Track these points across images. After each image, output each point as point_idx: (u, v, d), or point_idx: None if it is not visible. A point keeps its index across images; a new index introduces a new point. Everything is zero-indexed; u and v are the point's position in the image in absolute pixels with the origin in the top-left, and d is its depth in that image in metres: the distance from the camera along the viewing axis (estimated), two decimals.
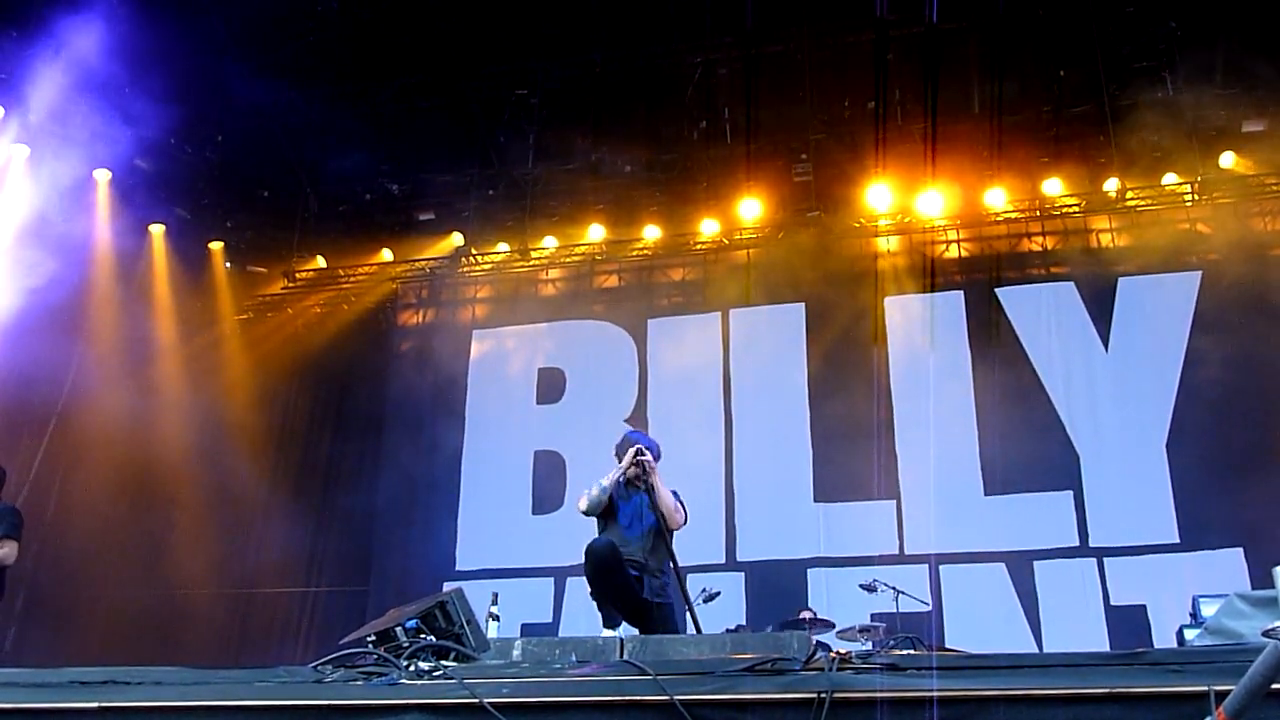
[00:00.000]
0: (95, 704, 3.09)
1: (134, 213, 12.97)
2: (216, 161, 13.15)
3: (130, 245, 13.21)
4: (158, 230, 13.53)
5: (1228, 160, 11.68)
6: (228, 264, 14.12)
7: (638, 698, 2.83)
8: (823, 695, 2.70)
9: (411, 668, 3.36)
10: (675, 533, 6.45)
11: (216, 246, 13.96)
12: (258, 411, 13.58)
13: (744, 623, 10.53)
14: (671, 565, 6.34)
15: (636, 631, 6.01)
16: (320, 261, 14.15)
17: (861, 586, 9.34)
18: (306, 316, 14.43)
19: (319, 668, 3.53)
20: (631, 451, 6.40)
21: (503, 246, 13.73)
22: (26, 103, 11.66)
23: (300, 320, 14.43)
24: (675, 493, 6.53)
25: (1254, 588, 8.85)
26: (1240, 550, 10.27)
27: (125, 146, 12.55)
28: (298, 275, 14.17)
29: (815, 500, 11.61)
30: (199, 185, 13.46)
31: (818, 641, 7.26)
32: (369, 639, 3.95)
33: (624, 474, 6.41)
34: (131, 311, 13.37)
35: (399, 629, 3.91)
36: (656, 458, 6.53)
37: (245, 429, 13.36)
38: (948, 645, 9.48)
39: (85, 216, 12.59)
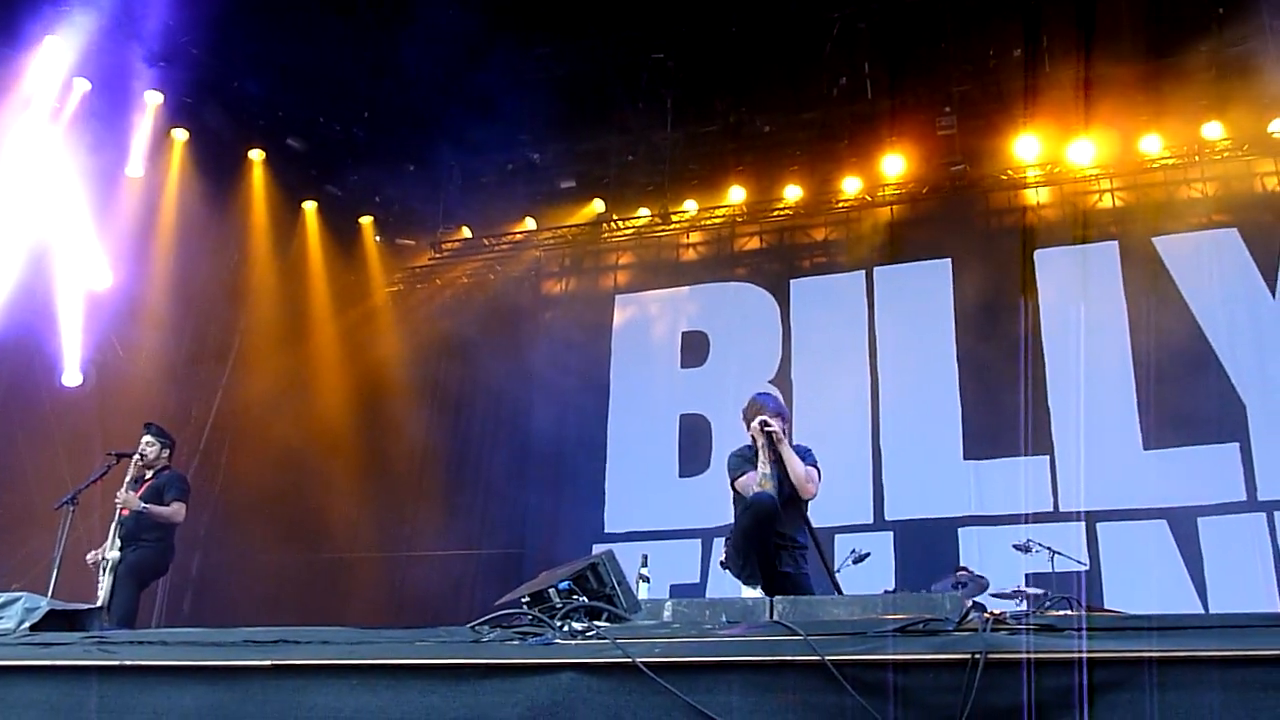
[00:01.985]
0: (268, 661, 3.25)
1: (287, 190, 13.44)
2: (363, 138, 13.49)
3: (284, 222, 13.70)
4: (310, 207, 13.99)
5: None
6: (377, 237, 14.50)
7: (788, 658, 2.84)
8: (977, 656, 2.67)
9: (565, 628, 3.42)
10: (812, 500, 6.33)
11: (366, 221, 14.37)
12: (410, 380, 13.92)
13: (893, 583, 10.44)
14: (809, 533, 6.26)
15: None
16: (465, 232, 14.43)
17: (1015, 547, 9.16)
18: (454, 287, 14.74)
19: (476, 628, 3.62)
20: (756, 424, 6.18)
21: (643, 211, 13.78)
22: (184, 88, 12.15)
23: (448, 291, 14.75)
24: (808, 450, 6.38)
25: None
26: None
27: (277, 126, 13.01)
28: (444, 246, 14.48)
29: (965, 458, 11.42)
30: (348, 162, 13.84)
31: (972, 602, 7.15)
32: (523, 600, 4.04)
33: (759, 446, 6.21)
34: (288, 286, 13.87)
35: (552, 590, 3.98)
36: (785, 419, 6.34)
37: (399, 398, 13.73)
38: (1107, 606, 9.25)
39: (242, 196, 13.09)
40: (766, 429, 6.10)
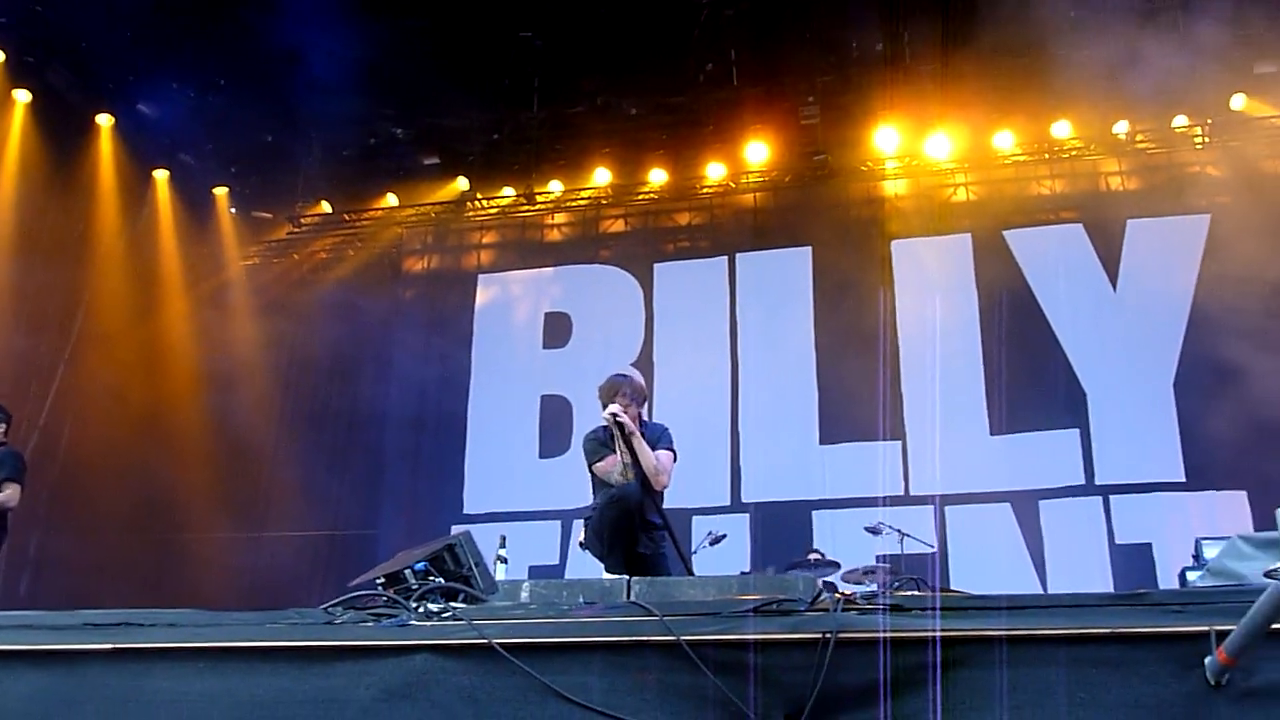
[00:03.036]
0: (109, 645, 3.13)
1: (137, 158, 12.96)
2: (219, 107, 13.07)
3: (134, 191, 13.21)
4: (162, 176, 13.53)
5: (1239, 102, 11.57)
6: (232, 210, 14.11)
7: (644, 638, 2.85)
8: (828, 635, 2.73)
9: (421, 609, 3.39)
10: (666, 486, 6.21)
11: (221, 192, 13.96)
12: (265, 357, 13.60)
13: (749, 564, 10.61)
14: (662, 515, 6.14)
15: None
16: (325, 207, 14.14)
17: (866, 529, 9.38)
18: (312, 262, 14.46)
19: (329, 609, 3.56)
20: (606, 415, 5.98)
21: (508, 191, 13.70)
22: (26, 47, 11.61)
23: (306, 266, 14.45)
24: (665, 429, 6.35)
25: (1256, 529, 8.93)
26: (1244, 493, 10.31)
27: (127, 91, 12.52)
28: (302, 221, 14.16)
29: (821, 442, 11.66)
30: (202, 130, 13.38)
31: (824, 583, 7.30)
32: (378, 581, 3.98)
33: (609, 433, 6.09)
34: (137, 258, 13.39)
35: (408, 571, 3.93)
36: (641, 402, 6.27)
37: (253, 374, 13.40)
38: (952, 586, 9.52)
39: (89, 163, 12.58)
40: (616, 421, 5.93)
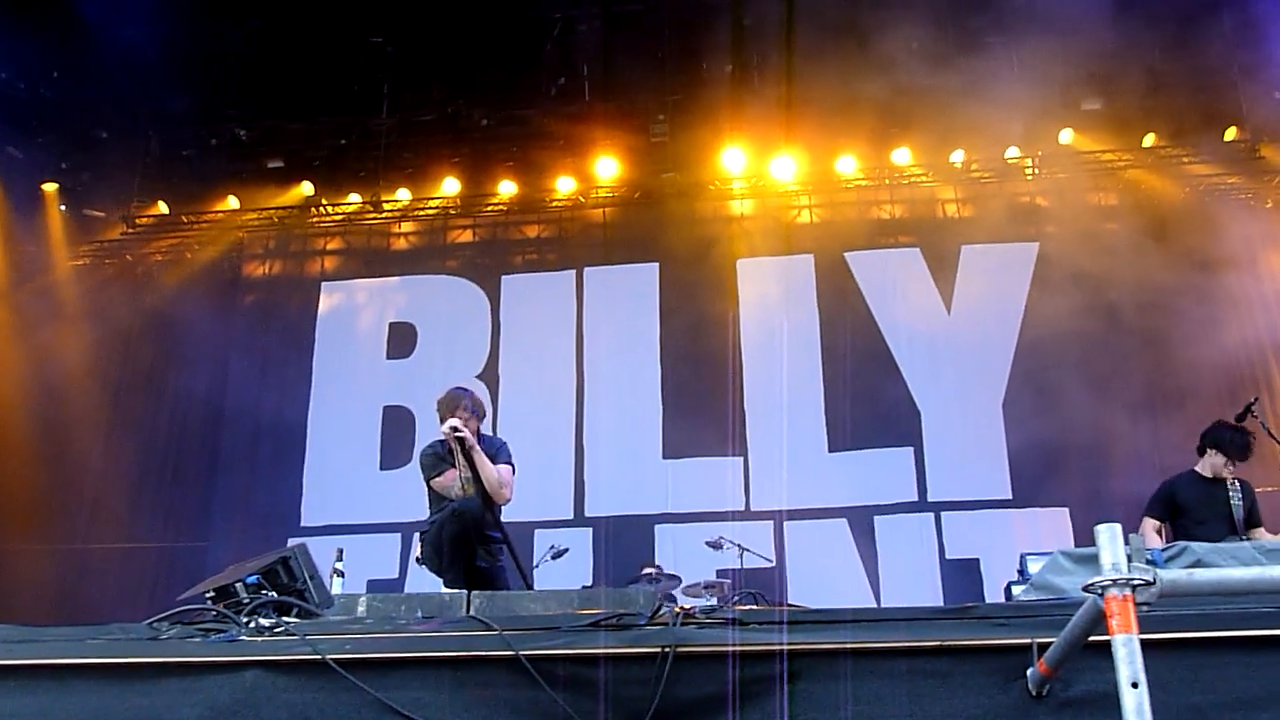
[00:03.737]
0: None
1: None
2: (51, 99, 12.52)
3: None
4: None
5: (1067, 137, 12.14)
6: (62, 207, 13.51)
7: (484, 653, 2.84)
8: (667, 649, 2.75)
9: (252, 624, 3.31)
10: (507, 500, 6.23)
11: (50, 188, 13.34)
12: (94, 362, 13.05)
13: (591, 578, 10.64)
14: (501, 528, 6.16)
15: None
16: (162, 207, 13.64)
17: (707, 544, 9.50)
18: (147, 264, 13.92)
19: (155, 625, 3.45)
20: (446, 429, 5.96)
21: (354, 197, 13.43)
22: None
23: (140, 268, 13.91)
24: (504, 444, 6.35)
25: (1077, 545, 9.35)
26: (1067, 510, 10.79)
27: None
28: (138, 221, 13.64)
29: (664, 457, 11.75)
30: (32, 123, 12.79)
31: (663, 597, 7.37)
32: (207, 595, 3.87)
33: (447, 446, 6.09)
34: None
35: (239, 585, 3.83)
36: (481, 416, 6.28)
37: (80, 379, 12.84)
38: (790, 600, 9.72)
39: None
40: (456, 435, 5.92)
